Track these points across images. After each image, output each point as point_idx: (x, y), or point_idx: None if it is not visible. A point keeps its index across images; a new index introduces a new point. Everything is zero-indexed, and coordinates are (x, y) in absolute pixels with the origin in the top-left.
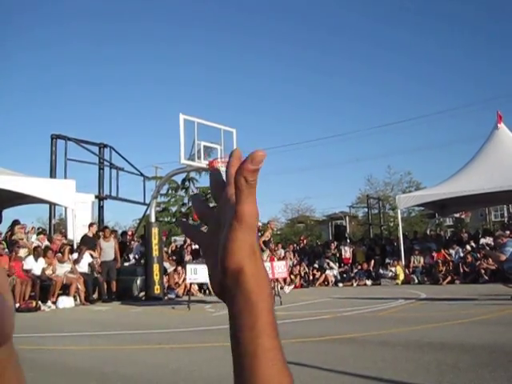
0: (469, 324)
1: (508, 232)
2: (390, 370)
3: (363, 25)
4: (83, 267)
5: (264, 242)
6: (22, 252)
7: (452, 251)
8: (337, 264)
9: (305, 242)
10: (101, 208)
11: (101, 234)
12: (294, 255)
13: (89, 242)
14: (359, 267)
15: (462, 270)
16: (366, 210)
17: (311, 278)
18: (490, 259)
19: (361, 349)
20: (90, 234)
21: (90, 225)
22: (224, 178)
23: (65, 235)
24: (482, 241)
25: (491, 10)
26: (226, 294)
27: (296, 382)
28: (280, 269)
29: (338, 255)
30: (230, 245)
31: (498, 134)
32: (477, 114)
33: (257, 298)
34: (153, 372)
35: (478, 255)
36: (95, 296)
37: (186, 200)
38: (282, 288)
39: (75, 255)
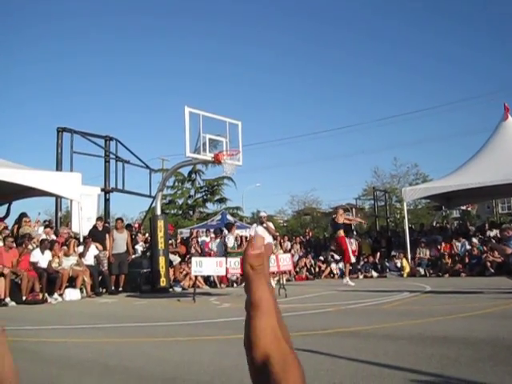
0: (472, 317)
1: None
2: (391, 363)
3: (368, 19)
4: (89, 260)
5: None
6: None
7: (458, 243)
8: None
9: (310, 234)
10: (107, 201)
11: (114, 224)
12: (301, 247)
13: (97, 235)
14: (365, 259)
15: (467, 263)
16: (373, 202)
17: (317, 270)
18: (496, 252)
19: (363, 342)
20: (100, 228)
21: (99, 219)
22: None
23: (70, 228)
24: (489, 233)
25: (496, 3)
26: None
27: None
28: (285, 261)
29: None
30: (252, 335)
31: (506, 126)
32: (485, 105)
33: None
34: (156, 365)
35: (485, 248)
36: (103, 290)
37: (192, 192)
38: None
39: (81, 248)
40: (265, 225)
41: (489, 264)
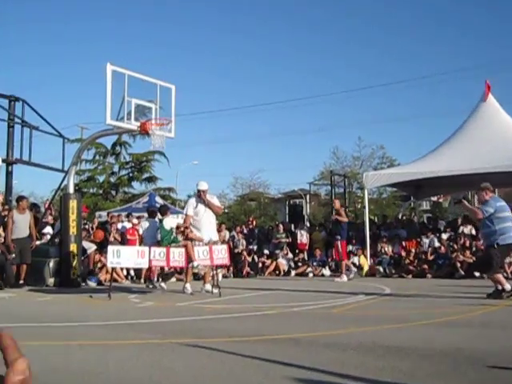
0: (433, 326)
1: None
2: (335, 376)
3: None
4: None
5: None
6: None
7: (425, 240)
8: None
9: (254, 223)
10: (9, 174)
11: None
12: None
13: None
14: (317, 255)
15: (434, 262)
16: (329, 188)
17: (260, 265)
18: (467, 251)
19: (304, 351)
20: None
21: None
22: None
23: None
24: (462, 229)
25: None
26: None
27: None
28: (220, 254)
29: (290, 240)
30: None
31: (485, 108)
32: (464, 82)
33: None
34: (50, 375)
35: (455, 246)
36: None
37: (116, 168)
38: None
39: None
40: (205, 201)
41: (459, 265)
